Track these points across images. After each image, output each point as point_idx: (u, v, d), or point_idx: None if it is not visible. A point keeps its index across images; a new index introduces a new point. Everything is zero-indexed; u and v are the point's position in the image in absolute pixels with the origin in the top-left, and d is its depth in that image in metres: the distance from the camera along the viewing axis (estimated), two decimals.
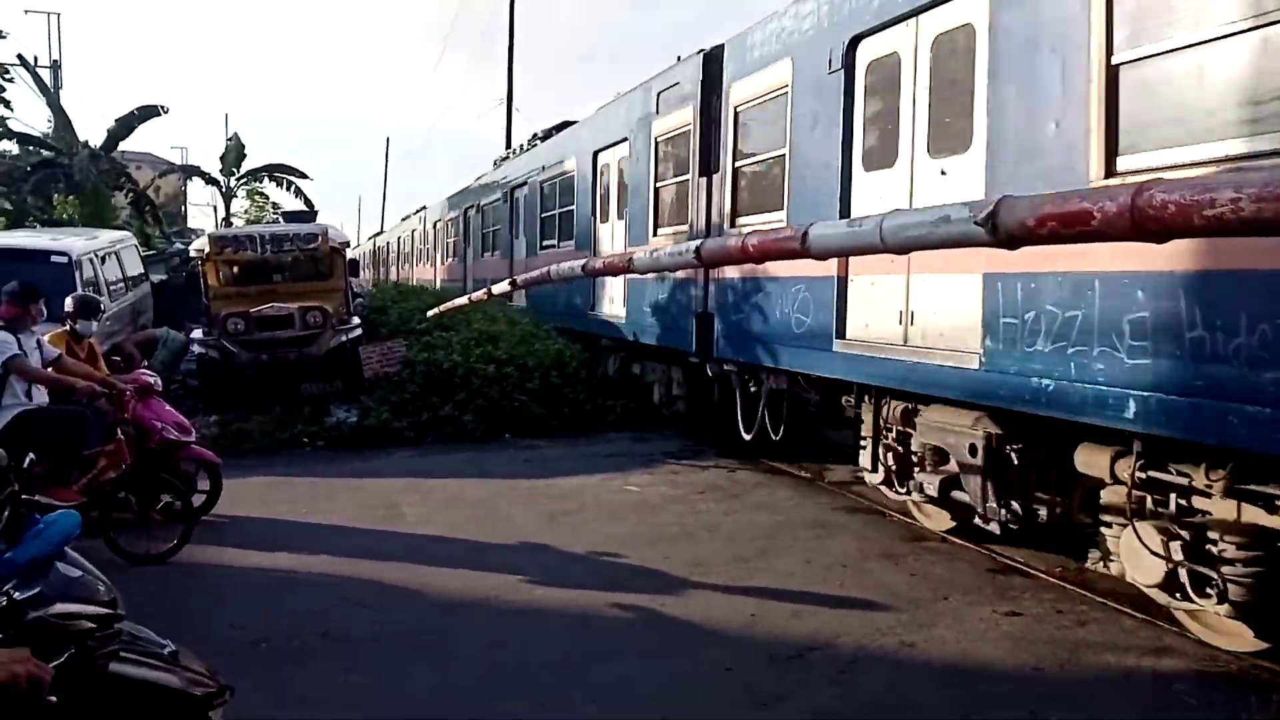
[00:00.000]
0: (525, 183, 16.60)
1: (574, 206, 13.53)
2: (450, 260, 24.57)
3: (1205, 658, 4.69)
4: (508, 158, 19.82)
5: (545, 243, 15.34)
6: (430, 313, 13.77)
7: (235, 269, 13.45)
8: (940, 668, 4.66)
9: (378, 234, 50.67)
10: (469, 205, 21.74)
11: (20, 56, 24.73)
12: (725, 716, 4.17)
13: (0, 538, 2.44)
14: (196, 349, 12.43)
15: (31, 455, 2.84)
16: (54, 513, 2.50)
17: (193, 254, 14.23)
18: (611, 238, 12.19)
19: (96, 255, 12.29)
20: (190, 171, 34.80)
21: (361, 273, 35.58)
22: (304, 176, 32.58)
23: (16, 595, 2.10)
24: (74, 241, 12.23)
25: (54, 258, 11.25)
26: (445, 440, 11.16)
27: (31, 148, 26.04)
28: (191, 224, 41.10)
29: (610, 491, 8.55)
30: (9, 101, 22.97)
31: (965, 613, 5.35)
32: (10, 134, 24.31)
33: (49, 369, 6.76)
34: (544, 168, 15.41)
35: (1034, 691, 4.37)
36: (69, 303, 7.51)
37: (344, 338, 12.50)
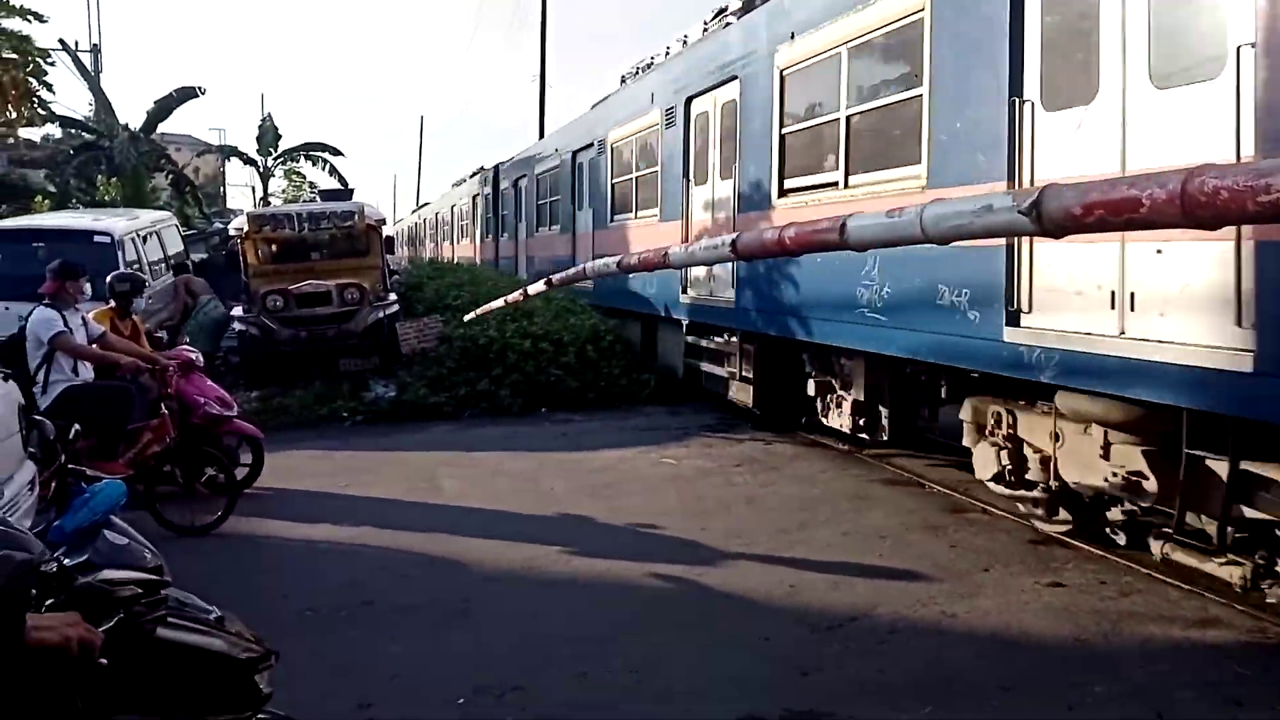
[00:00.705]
0: (736, 76, 9.35)
1: (917, 92, 6.53)
2: (545, 231, 17.65)
3: (1254, 629, 4.61)
4: (676, 50, 11.98)
5: (792, 182, 8.34)
6: (467, 317, 12.10)
7: (274, 247, 13.58)
8: (982, 638, 4.62)
9: (423, 205, 42.61)
10: (582, 147, 14.78)
11: (61, 40, 25.06)
12: (764, 686, 4.16)
13: (49, 506, 2.49)
14: (237, 326, 12.60)
15: (77, 426, 2.88)
16: (100, 482, 2.53)
17: (232, 233, 14.40)
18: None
19: (138, 235, 12.46)
20: (228, 152, 35.21)
21: (398, 250, 35.49)
22: (338, 154, 32.86)
23: (66, 562, 2.14)
24: (116, 222, 12.42)
25: (97, 238, 11.46)
26: (482, 415, 11.23)
27: (74, 131, 26.46)
28: (230, 204, 41.53)
29: (647, 464, 8.56)
30: (51, 85, 23.31)
31: (1007, 583, 5.29)
32: (54, 117, 24.67)
33: (94, 346, 6.88)
34: (791, 36, 8.15)
35: (1077, 663, 4.31)
36: (113, 281, 7.64)
37: (381, 314, 12.59)
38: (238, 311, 12.85)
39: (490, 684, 4.21)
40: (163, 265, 13.44)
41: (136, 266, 11.34)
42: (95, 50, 29.06)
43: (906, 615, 4.89)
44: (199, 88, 26.33)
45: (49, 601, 1.98)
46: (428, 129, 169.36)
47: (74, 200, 22.71)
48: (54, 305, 6.74)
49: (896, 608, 4.98)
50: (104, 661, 1.94)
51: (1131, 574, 5.38)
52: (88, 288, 7.10)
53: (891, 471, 7.98)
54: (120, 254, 11.20)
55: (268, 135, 33.53)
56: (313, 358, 12.28)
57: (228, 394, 7.86)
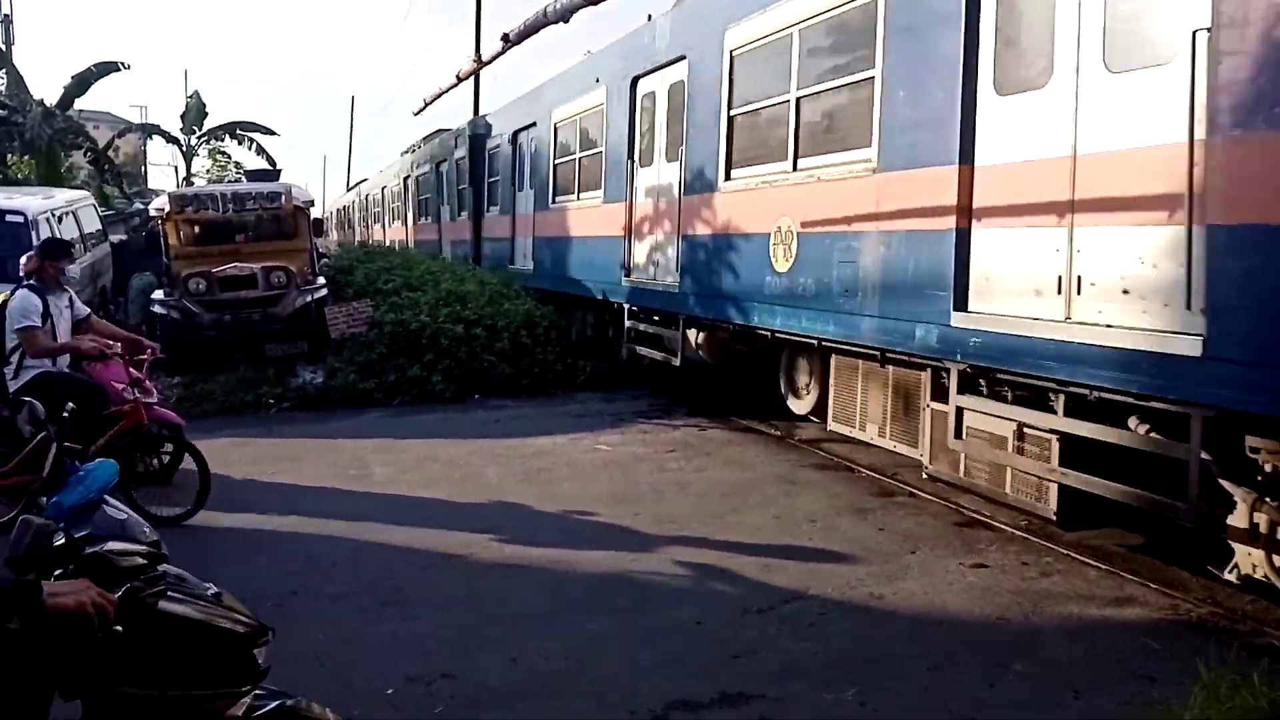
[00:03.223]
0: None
1: None
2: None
3: (1166, 607, 4.78)
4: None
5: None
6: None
7: (197, 229, 13.18)
8: (908, 618, 4.71)
9: (420, 144, 31.61)
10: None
11: None
12: (696, 669, 4.19)
13: (46, 485, 2.46)
14: (158, 309, 12.19)
15: (71, 405, 2.83)
16: (93, 462, 2.55)
17: (153, 213, 13.92)
18: None
19: (53, 215, 12.01)
20: (150, 130, 33.96)
21: (330, 233, 34.43)
22: (269, 133, 31.92)
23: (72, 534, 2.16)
24: (30, 200, 11.94)
25: (9, 217, 10.99)
26: (414, 401, 11.09)
27: None
28: (152, 184, 40.19)
29: (581, 451, 8.54)
30: None
31: (932, 565, 5.41)
32: None
33: (80, 325, 6.70)
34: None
35: (999, 642, 4.43)
36: (35, 250, 7.34)
37: (309, 298, 12.31)
38: (158, 295, 12.47)
39: (420, 672, 4.17)
40: (80, 246, 12.97)
41: None
42: (7, 21, 27.87)
43: (836, 597, 4.97)
44: (121, 62, 25.39)
45: (57, 572, 2.01)
46: (368, 106, 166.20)
47: None
48: (37, 287, 6.46)
49: (826, 589, 5.05)
50: (119, 629, 1.95)
51: (1052, 555, 5.54)
52: (76, 269, 6.83)
53: (822, 456, 8.10)
54: (35, 234, 10.76)
55: (192, 113, 32.46)
56: (237, 343, 11.95)
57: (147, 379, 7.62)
